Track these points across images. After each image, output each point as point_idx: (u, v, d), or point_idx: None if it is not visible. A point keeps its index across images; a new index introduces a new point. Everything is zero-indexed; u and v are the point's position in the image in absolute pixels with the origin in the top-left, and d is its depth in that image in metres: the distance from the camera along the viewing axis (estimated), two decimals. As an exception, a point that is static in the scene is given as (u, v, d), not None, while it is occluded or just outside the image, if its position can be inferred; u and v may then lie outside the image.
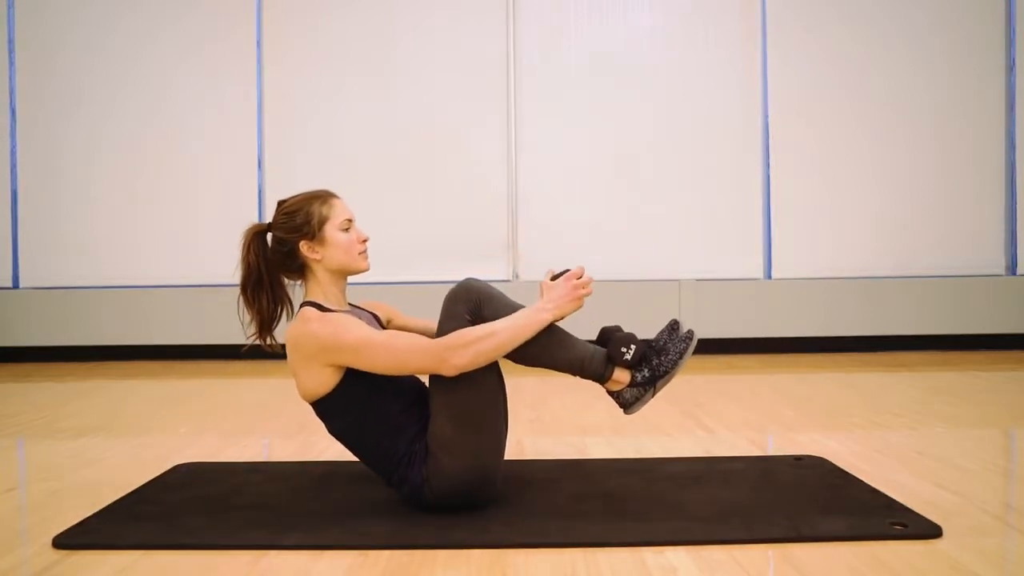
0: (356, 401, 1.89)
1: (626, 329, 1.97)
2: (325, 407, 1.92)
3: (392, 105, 5.39)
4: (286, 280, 2.05)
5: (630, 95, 5.39)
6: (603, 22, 5.41)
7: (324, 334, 1.83)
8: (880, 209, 5.37)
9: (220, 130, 5.42)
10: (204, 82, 5.43)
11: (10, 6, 5.40)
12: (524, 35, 5.40)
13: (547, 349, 1.89)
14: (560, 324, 1.94)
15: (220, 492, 2.12)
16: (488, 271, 5.32)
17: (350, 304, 2.08)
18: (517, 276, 5.34)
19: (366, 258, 2.04)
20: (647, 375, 1.90)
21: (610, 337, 1.93)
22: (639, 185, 5.39)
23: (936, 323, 5.22)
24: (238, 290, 2.01)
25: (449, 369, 1.79)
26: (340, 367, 1.86)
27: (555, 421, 3.11)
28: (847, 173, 5.38)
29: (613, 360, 1.90)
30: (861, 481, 2.12)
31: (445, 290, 1.95)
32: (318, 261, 1.98)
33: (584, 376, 1.92)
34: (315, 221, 1.98)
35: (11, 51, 5.42)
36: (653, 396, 1.92)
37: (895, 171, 5.38)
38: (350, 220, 2.02)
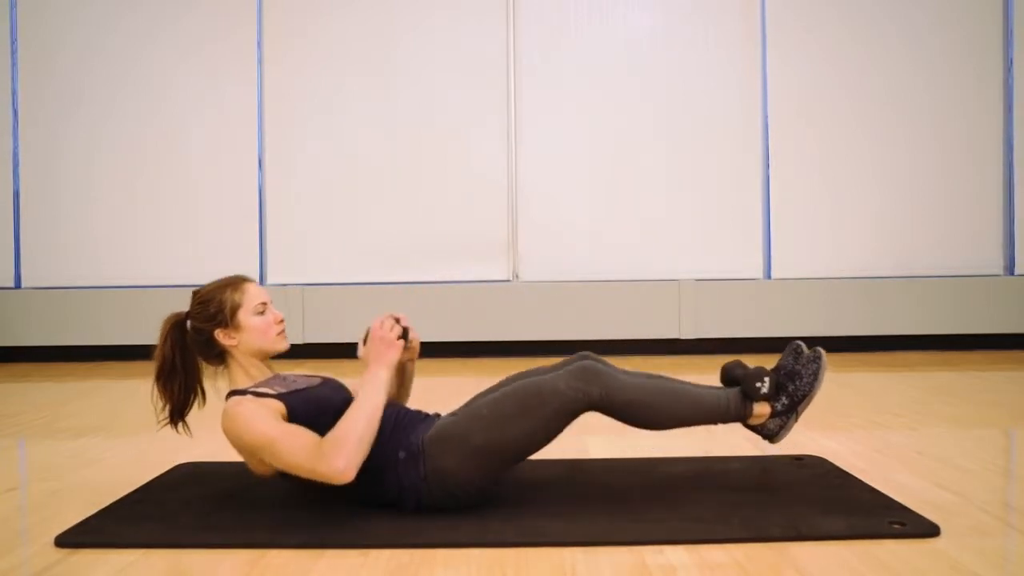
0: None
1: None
2: (287, 479, 1.89)
3: (392, 105, 5.39)
4: (206, 366, 2.05)
5: (630, 95, 5.39)
6: (603, 22, 5.41)
7: (237, 427, 1.82)
8: (880, 209, 5.37)
9: (220, 130, 5.42)
10: (204, 82, 5.43)
11: (11, 6, 5.40)
12: (524, 35, 5.40)
13: (687, 409, 1.96)
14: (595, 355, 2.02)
15: (220, 492, 2.12)
16: (488, 271, 5.32)
17: (276, 373, 2.05)
18: (517, 276, 5.34)
19: (284, 338, 2.04)
20: (786, 403, 1.97)
21: (740, 376, 2.00)
22: (639, 185, 5.39)
23: (936, 323, 5.22)
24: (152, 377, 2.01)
25: (337, 473, 1.72)
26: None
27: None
28: (847, 173, 5.38)
29: (750, 397, 1.97)
30: (861, 481, 2.12)
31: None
32: (235, 347, 2.00)
33: (727, 421, 1.99)
34: (227, 309, 1.99)
35: (13, 51, 5.42)
36: (796, 421, 1.98)
37: (895, 171, 5.38)
38: (264, 303, 2.02)
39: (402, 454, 1.88)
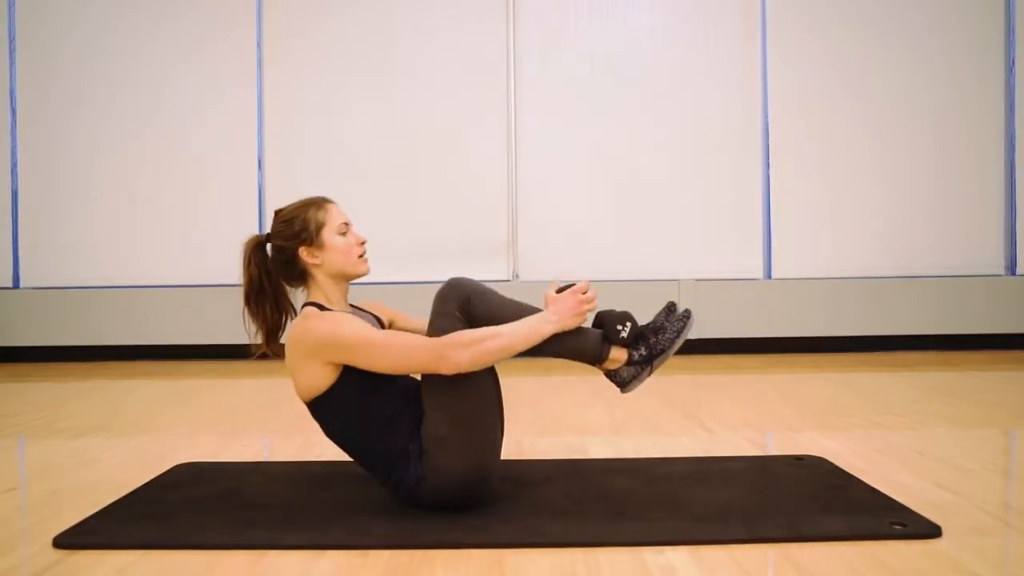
0: (351, 401, 1.89)
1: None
2: (321, 406, 1.92)
3: (392, 105, 5.39)
4: (288, 288, 2.06)
5: (630, 95, 5.39)
6: (603, 22, 5.41)
7: (323, 331, 1.84)
8: (880, 209, 5.37)
9: (220, 130, 5.42)
10: (204, 82, 5.43)
11: (10, 6, 5.40)
12: (524, 35, 5.40)
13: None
14: None
15: (220, 492, 2.12)
16: (488, 271, 5.32)
17: (352, 305, 2.09)
18: (517, 276, 5.34)
19: (365, 261, 2.05)
20: (644, 353, 1.94)
21: (605, 318, 1.96)
22: (639, 185, 5.39)
23: (936, 323, 5.22)
24: (241, 301, 2.01)
25: (449, 367, 1.79)
26: (338, 365, 1.87)
27: (554, 421, 3.11)
28: (847, 173, 5.38)
29: (609, 339, 1.93)
30: (861, 481, 2.12)
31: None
32: (318, 266, 1.99)
33: (582, 359, 1.95)
34: (312, 227, 1.99)
35: (12, 51, 5.42)
36: (650, 374, 1.95)
37: (895, 171, 5.38)
38: (347, 224, 2.03)
39: (412, 446, 1.89)
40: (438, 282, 2.01)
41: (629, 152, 5.40)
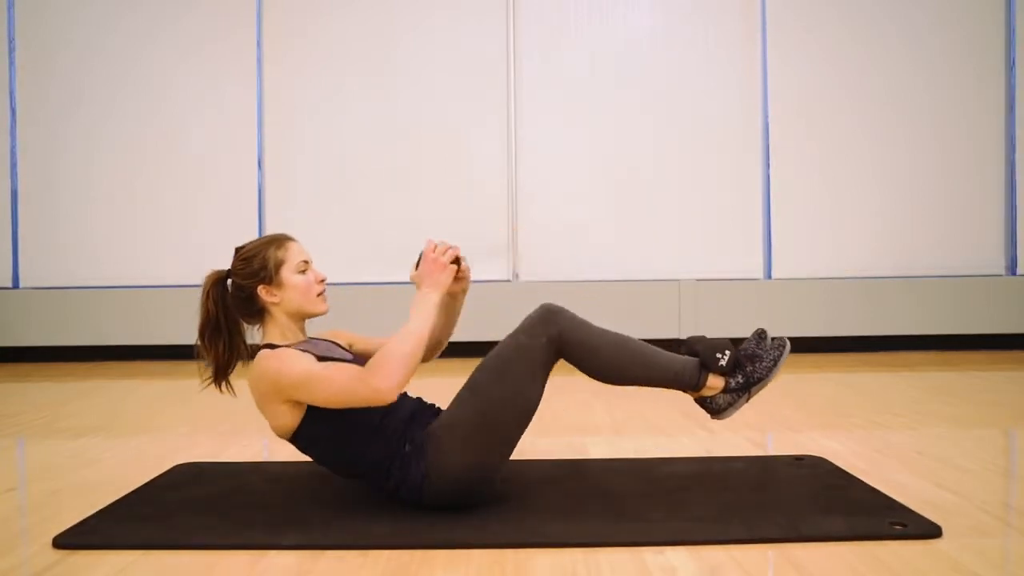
0: (328, 426, 1.88)
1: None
2: (300, 440, 1.92)
3: (392, 105, 5.39)
4: (246, 326, 2.05)
5: (630, 95, 5.39)
6: (603, 22, 5.41)
7: (272, 371, 1.84)
8: (880, 209, 5.37)
9: (220, 130, 5.42)
10: (204, 82, 5.43)
11: (10, 6, 5.40)
12: (524, 36, 5.40)
13: (638, 366, 1.94)
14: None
15: (220, 492, 2.12)
16: (488, 271, 5.32)
17: (310, 338, 2.07)
18: (517, 276, 5.34)
19: (324, 300, 2.04)
20: (741, 381, 1.95)
21: (702, 345, 1.97)
22: (639, 185, 5.39)
23: (936, 323, 5.22)
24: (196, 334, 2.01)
25: (379, 393, 1.75)
26: (299, 401, 1.87)
27: (555, 421, 3.11)
28: (847, 173, 5.38)
29: (707, 367, 1.94)
30: (861, 481, 2.12)
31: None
32: (276, 304, 1.99)
33: (678, 387, 1.96)
34: (271, 265, 1.99)
35: (11, 51, 5.42)
36: (747, 402, 1.97)
37: (895, 171, 5.38)
38: (307, 262, 2.03)
39: (408, 447, 1.89)
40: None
41: (629, 152, 5.40)
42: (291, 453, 2.59)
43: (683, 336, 5.19)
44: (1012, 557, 1.65)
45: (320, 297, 2.03)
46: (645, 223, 5.38)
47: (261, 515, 1.91)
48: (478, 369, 1.93)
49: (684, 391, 1.98)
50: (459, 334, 5.38)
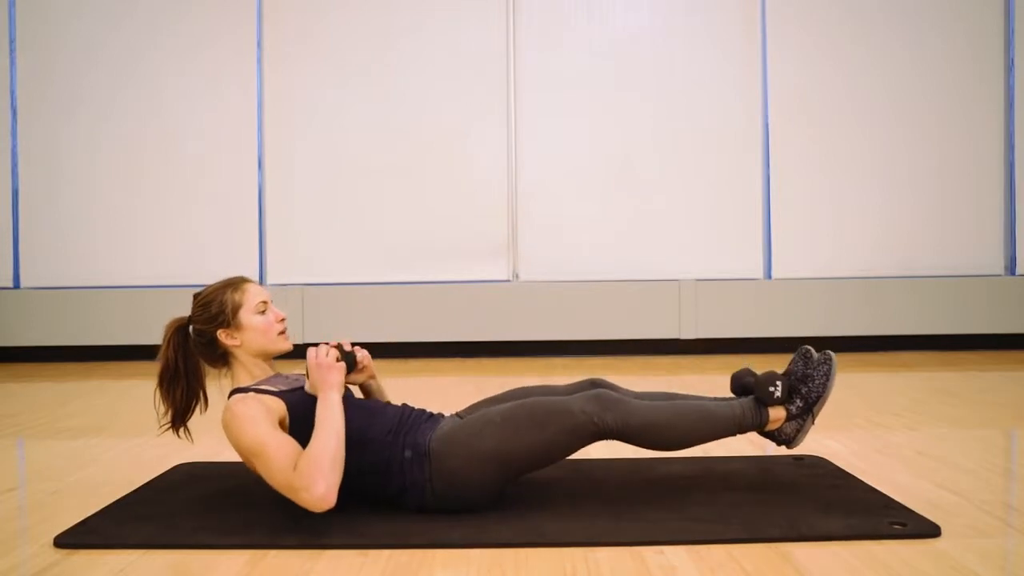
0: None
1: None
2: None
3: (392, 104, 5.39)
4: (209, 369, 2.06)
5: (630, 95, 5.39)
6: (603, 22, 5.41)
7: (230, 431, 1.84)
8: (881, 209, 5.37)
9: (220, 130, 5.42)
10: (204, 82, 5.43)
11: (10, 6, 5.40)
12: (524, 36, 5.40)
13: (703, 428, 1.96)
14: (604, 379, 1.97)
15: (220, 492, 2.12)
16: (488, 271, 5.32)
17: (277, 373, 2.07)
18: (517, 276, 5.34)
19: (286, 338, 2.05)
20: (800, 405, 1.97)
21: (751, 383, 1.99)
22: (639, 185, 5.39)
23: (936, 323, 5.22)
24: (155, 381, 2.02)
25: (316, 503, 1.71)
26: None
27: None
28: (847, 173, 5.38)
29: (765, 403, 1.97)
30: (861, 481, 2.12)
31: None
32: (238, 347, 2.00)
33: (744, 431, 1.99)
34: (228, 309, 1.99)
35: (12, 51, 5.42)
36: (813, 423, 1.99)
37: (895, 171, 5.38)
38: (265, 302, 2.03)
39: (408, 453, 1.88)
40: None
41: (629, 152, 5.40)
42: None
43: (683, 336, 5.21)
44: (1012, 557, 1.65)
45: (281, 336, 2.03)
46: (645, 223, 5.38)
47: (261, 515, 1.91)
48: (521, 406, 1.92)
49: (752, 432, 2.01)
50: (459, 334, 5.41)
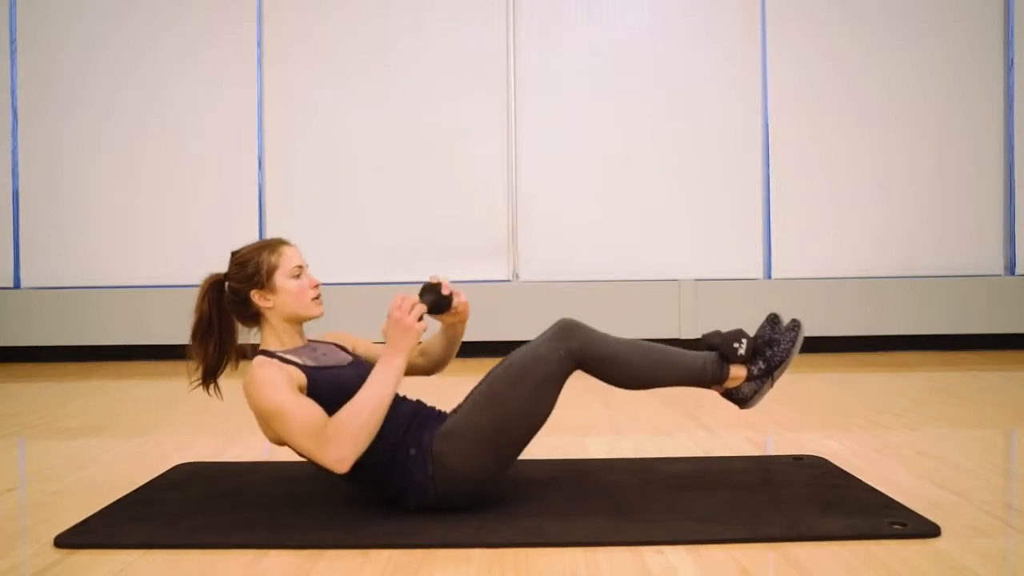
0: None
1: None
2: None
3: (392, 104, 5.39)
4: (242, 327, 2.06)
5: (630, 95, 5.40)
6: (603, 22, 5.41)
7: (252, 395, 1.84)
8: (880, 209, 5.37)
9: (220, 130, 5.42)
10: (204, 82, 5.43)
11: (11, 6, 5.40)
12: (524, 35, 5.40)
13: (663, 368, 1.97)
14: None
15: (220, 492, 2.12)
16: (488, 271, 5.32)
17: (309, 340, 2.07)
18: (517, 276, 5.34)
19: (319, 304, 2.03)
20: (762, 367, 1.98)
21: (718, 341, 1.99)
22: (639, 185, 5.39)
23: (936, 323, 5.22)
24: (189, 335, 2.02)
25: (332, 466, 1.76)
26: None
27: (555, 421, 3.10)
28: (847, 173, 5.38)
29: (727, 358, 1.97)
30: (861, 481, 2.12)
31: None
32: (270, 309, 1.99)
33: (703, 384, 2.00)
34: (264, 270, 1.99)
35: (12, 51, 5.42)
36: (771, 387, 2.00)
37: (895, 171, 5.38)
38: (300, 267, 2.02)
39: (412, 451, 1.88)
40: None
41: (629, 152, 5.40)
42: (291, 453, 2.59)
43: (683, 336, 5.20)
44: (1012, 557, 1.65)
45: (314, 301, 2.02)
46: (645, 223, 5.38)
47: (261, 515, 1.91)
48: (493, 377, 1.93)
49: (709, 387, 2.01)
50: (459, 334, 5.28)
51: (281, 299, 1.98)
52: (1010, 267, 5.35)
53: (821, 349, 5.20)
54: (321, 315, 2.03)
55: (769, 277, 5.37)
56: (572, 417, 3.18)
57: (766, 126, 5.39)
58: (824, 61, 5.38)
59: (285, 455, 2.56)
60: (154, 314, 5.19)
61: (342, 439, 1.75)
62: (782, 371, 1.98)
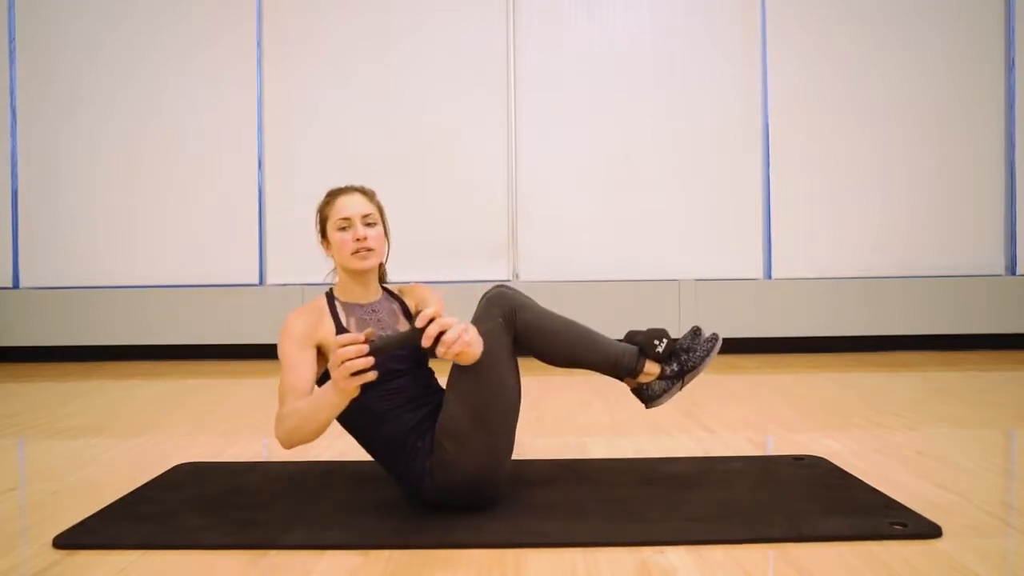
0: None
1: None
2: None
3: (392, 104, 5.40)
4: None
5: (630, 96, 5.40)
6: (603, 22, 5.42)
7: (281, 337, 1.94)
8: (881, 209, 5.37)
9: (220, 130, 5.42)
10: (204, 82, 5.43)
11: (10, 6, 5.40)
12: (524, 36, 5.40)
13: (583, 347, 2.00)
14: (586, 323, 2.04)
15: (220, 492, 2.12)
16: (488, 271, 5.32)
17: (384, 288, 2.14)
18: (517, 276, 5.35)
19: (359, 258, 1.98)
20: (676, 369, 2.02)
21: (640, 335, 2.05)
22: (639, 184, 5.39)
23: (936, 323, 5.22)
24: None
25: (278, 440, 1.83)
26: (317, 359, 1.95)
27: (555, 421, 3.11)
28: (847, 173, 5.38)
29: (645, 353, 2.02)
30: (861, 481, 2.12)
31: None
32: (331, 256, 2.08)
33: (617, 373, 2.03)
34: (319, 220, 2.07)
35: (12, 51, 5.42)
36: (680, 390, 2.04)
37: (895, 171, 5.38)
38: (346, 219, 2.00)
39: (420, 443, 1.90)
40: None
41: (629, 151, 5.40)
42: (291, 453, 2.59)
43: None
44: (1012, 557, 1.65)
45: (354, 256, 1.99)
46: (645, 223, 5.38)
47: (261, 515, 1.91)
48: (452, 369, 1.92)
49: (622, 378, 2.04)
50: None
51: (333, 249, 2.05)
52: (1010, 267, 5.35)
53: (821, 349, 5.20)
54: (360, 269, 2.01)
55: (769, 277, 5.37)
56: (572, 417, 3.18)
57: (766, 126, 5.39)
58: (824, 61, 5.38)
59: (285, 455, 2.56)
60: (154, 314, 5.20)
61: (281, 426, 1.80)
62: (693, 376, 2.03)
